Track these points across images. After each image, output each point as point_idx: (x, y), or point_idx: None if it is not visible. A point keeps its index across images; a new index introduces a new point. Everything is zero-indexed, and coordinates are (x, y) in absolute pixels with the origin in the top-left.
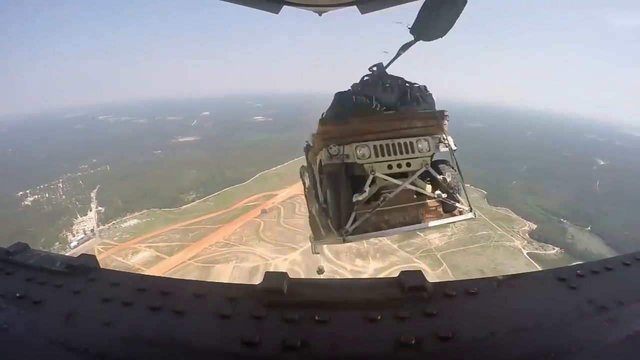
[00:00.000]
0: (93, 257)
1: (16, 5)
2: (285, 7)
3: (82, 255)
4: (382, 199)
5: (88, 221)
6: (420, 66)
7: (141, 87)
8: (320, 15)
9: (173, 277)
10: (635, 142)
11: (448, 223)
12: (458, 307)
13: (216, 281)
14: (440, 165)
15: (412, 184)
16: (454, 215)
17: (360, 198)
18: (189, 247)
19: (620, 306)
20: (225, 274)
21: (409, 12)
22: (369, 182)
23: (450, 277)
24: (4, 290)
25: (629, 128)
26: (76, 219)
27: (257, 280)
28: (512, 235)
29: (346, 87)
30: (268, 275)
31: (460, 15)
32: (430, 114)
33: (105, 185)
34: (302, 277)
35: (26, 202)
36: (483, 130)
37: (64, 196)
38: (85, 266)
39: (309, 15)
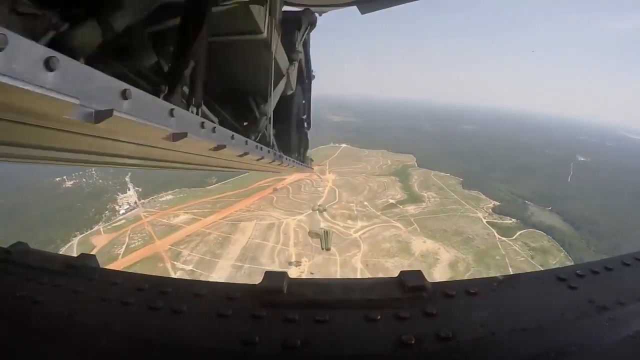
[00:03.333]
0: (93, 256)
1: None
2: (285, 7)
3: (82, 255)
4: None
5: (129, 197)
6: (422, 71)
7: None
8: (320, 15)
9: (172, 276)
10: (627, 143)
11: None
12: (458, 307)
13: (216, 281)
14: None
15: None
16: None
17: None
18: (219, 212)
19: (620, 306)
20: (249, 228)
21: (409, 12)
22: None
23: (418, 231)
24: (3, 290)
25: (627, 130)
26: (118, 195)
27: (274, 230)
28: (476, 210)
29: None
30: (268, 274)
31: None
32: None
33: (135, 172)
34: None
35: (66, 185)
36: (477, 132)
37: (100, 180)
38: (85, 266)
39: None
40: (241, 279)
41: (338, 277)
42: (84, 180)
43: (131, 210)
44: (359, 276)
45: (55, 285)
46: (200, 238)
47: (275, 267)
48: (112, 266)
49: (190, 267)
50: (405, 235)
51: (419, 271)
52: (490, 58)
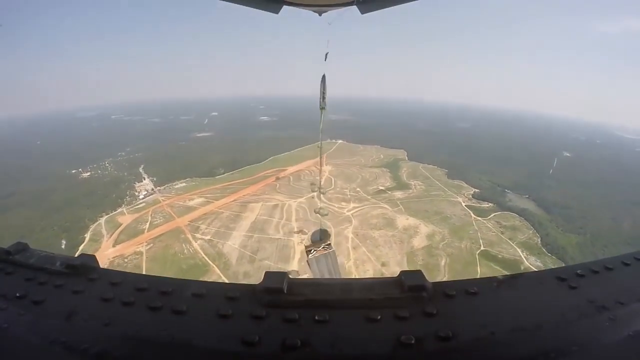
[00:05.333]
0: (93, 257)
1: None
2: (285, 7)
3: (82, 255)
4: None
5: (146, 185)
6: (420, 71)
7: (145, 89)
8: (320, 15)
9: (174, 276)
10: (618, 141)
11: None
12: (458, 306)
13: (216, 281)
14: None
15: None
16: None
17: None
18: (229, 196)
19: (620, 306)
20: (256, 208)
21: (409, 12)
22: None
23: (403, 211)
24: (4, 290)
25: (623, 130)
26: (135, 184)
27: (278, 209)
28: (457, 195)
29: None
30: (268, 274)
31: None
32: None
33: (148, 164)
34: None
35: (83, 176)
36: (469, 130)
37: (115, 171)
38: (85, 266)
39: (309, 15)
40: (253, 245)
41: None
42: (99, 171)
43: (149, 195)
44: (350, 243)
45: (55, 285)
46: (215, 216)
47: (281, 237)
48: (141, 238)
49: (208, 237)
50: (391, 214)
51: (419, 271)
52: (490, 59)
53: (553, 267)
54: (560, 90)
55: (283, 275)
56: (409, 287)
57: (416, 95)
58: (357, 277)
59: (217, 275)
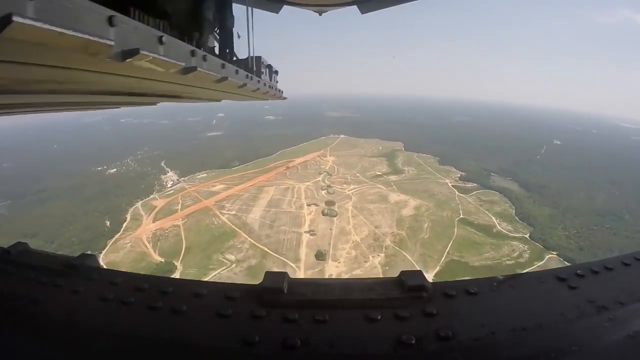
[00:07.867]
0: (93, 256)
1: None
2: (285, 7)
3: (82, 254)
4: None
5: (170, 177)
6: (421, 70)
7: None
8: (320, 15)
9: (211, 239)
10: (614, 130)
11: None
12: (458, 307)
13: (216, 280)
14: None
15: None
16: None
17: None
18: (246, 183)
19: (620, 306)
20: (271, 190)
21: (409, 12)
22: None
23: (395, 190)
24: (3, 290)
25: (622, 121)
26: (161, 176)
27: (289, 191)
28: (445, 178)
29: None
30: (268, 274)
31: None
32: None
33: (168, 160)
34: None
35: (110, 172)
36: (467, 123)
37: (139, 167)
38: (85, 265)
39: (309, 15)
40: (271, 216)
41: (334, 227)
42: (124, 168)
43: (176, 184)
44: (350, 213)
45: (55, 285)
46: (236, 197)
47: (293, 210)
48: (176, 215)
49: (233, 212)
50: (385, 192)
51: (419, 271)
52: (490, 56)
53: (526, 236)
54: (560, 84)
55: (283, 275)
56: (409, 287)
57: (417, 92)
58: (356, 270)
59: (244, 237)
